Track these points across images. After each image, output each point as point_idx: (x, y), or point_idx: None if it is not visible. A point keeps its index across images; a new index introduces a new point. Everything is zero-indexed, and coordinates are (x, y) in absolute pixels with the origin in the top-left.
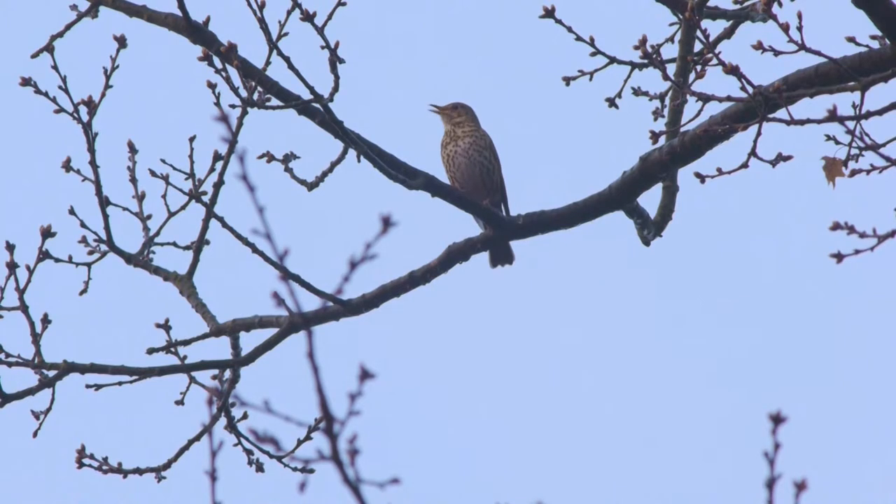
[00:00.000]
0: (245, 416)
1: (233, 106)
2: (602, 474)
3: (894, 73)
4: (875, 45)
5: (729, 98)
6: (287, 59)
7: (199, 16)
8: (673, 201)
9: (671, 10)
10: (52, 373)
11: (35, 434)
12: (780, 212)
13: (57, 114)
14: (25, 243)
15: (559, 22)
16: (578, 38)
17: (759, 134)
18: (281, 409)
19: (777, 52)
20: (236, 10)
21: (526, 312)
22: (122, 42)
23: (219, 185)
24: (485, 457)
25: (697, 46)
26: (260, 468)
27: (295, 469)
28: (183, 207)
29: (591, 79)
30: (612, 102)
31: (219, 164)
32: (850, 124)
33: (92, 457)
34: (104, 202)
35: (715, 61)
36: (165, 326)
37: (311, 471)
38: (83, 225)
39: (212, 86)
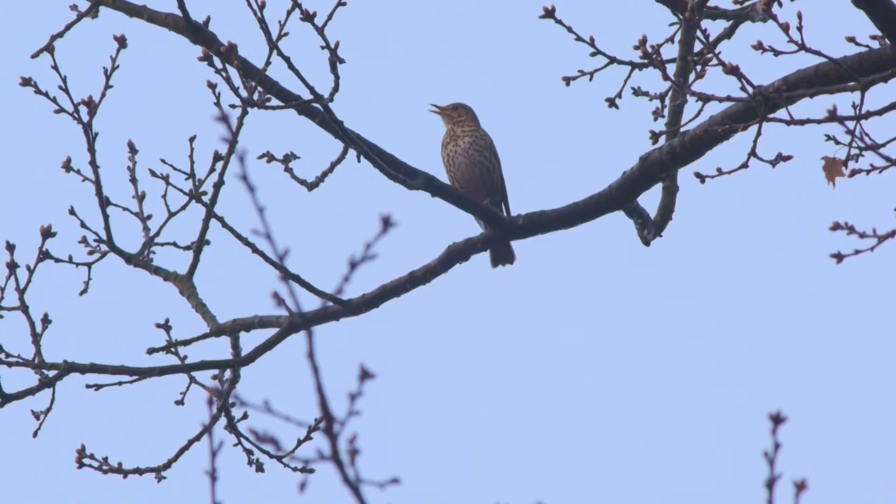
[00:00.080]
0: (245, 416)
1: (233, 106)
2: (602, 474)
3: (894, 73)
4: (875, 45)
5: (729, 98)
6: (287, 59)
7: (199, 16)
8: (673, 201)
9: (671, 10)
10: (52, 373)
11: (35, 434)
12: (780, 212)
13: (57, 114)
14: (25, 243)
15: (559, 22)
16: (578, 38)
17: (759, 134)
18: (281, 409)
19: (777, 52)
20: (236, 10)
21: (526, 312)
22: (122, 42)
23: (219, 185)
24: (485, 457)
25: (697, 46)
26: (260, 468)
27: (295, 469)
28: (183, 207)
29: (591, 79)
30: (612, 102)
31: (219, 165)
32: (850, 124)
33: (92, 457)
34: (104, 202)
35: (715, 61)
36: (165, 326)
37: (311, 471)
38: (83, 225)
39: (212, 86)
